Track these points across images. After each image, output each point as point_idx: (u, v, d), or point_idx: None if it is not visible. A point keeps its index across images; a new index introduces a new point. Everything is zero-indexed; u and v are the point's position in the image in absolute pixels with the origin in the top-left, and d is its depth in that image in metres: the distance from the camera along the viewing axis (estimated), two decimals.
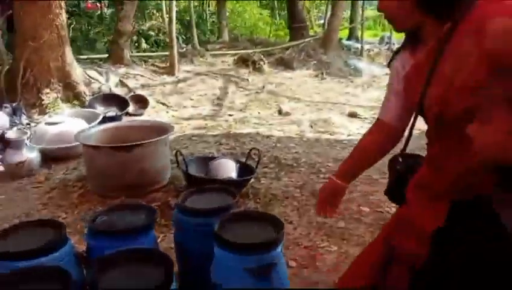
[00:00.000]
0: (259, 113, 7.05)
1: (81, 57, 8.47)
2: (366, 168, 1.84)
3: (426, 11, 1.33)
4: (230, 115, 6.90)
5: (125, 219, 2.30)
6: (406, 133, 1.61)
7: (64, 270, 1.70)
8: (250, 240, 1.98)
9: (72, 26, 10.50)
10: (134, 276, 1.76)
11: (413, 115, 1.49)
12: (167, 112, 7.13)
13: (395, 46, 1.42)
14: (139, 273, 1.77)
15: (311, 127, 6.28)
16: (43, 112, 6.33)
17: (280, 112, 6.98)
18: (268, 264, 1.94)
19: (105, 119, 5.62)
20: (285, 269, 2.12)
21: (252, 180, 4.02)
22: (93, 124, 5.28)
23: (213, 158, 4.11)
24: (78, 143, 4.52)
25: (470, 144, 1.15)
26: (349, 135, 5.90)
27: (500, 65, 1.13)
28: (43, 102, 6.35)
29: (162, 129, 4.30)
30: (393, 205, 3.70)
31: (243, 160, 4.26)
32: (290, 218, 3.49)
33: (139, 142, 3.89)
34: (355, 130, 6.07)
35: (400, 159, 1.57)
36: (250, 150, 4.20)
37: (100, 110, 6.31)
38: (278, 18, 20.50)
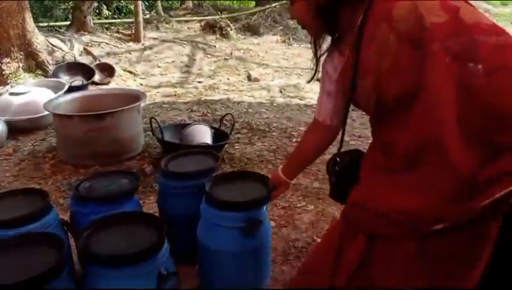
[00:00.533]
0: (228, 79, 7.02)
1: (41, 24, 8.12)
2: (305, 167, 2.10)
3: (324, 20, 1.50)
4: (199, 82, 6.85)
5: (108, 185, 2.31)
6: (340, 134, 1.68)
7: (57, 235, 1.72)
8: (241, 199, 2.04)
9: None
10: (126, 238, 1.80)
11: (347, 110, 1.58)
12: (135, 80, 7.00)
13: None
14: (131, 236, 1.81)
15: (281, 92, 6.33)
16: (4, 83, 6.10)
17: (249, 78, 6.98)
18: (257, 221, 2.01)
19: (71, 89, 5.47)
20: (269, 226, 2.20)
21: (226, 145, 4.07)
22: (59, 93, 5.14)
23: (186, 125, 4.12)
24: (45, 113, 4.43)
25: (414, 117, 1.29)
26: None
27: (416, 43, 1.26)
28: (3, 72, 6.11)
29: (133, 97, 4.25)
30: None
31: (216, 126, 4.29)
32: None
33: (111, 110, 3.85)
34: None
35: (338, 159, 1.64)
36: (224, 115, 4.23)
37: (65, 79, 6.13)
38: None
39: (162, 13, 10.89)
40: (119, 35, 8.55)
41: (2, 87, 5.98)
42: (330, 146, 1.81)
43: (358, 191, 1.60)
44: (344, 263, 1.59)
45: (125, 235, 1.82)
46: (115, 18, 10.54)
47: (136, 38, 8.35)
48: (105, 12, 10.69)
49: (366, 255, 1.55)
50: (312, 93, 6.19)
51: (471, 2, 1.39)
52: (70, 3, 9.78)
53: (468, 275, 1.63)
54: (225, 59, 8.30)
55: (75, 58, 6.79)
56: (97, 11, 10.41)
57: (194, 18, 10.69)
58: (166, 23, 9.95)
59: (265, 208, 2.14)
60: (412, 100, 1.32)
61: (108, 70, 6.83)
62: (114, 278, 1.65)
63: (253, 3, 14.40)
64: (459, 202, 1.37)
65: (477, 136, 1.31)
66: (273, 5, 11.88)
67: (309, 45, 1.75)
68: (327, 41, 1.68)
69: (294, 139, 4.48)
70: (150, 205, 3.14)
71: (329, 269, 1.69)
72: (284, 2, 11.70)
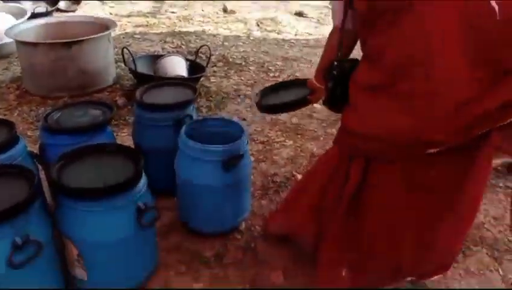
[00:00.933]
0: (203, 10, 6.69)
1: None
2: None
3: None
4: (172, 13, 6.50)
5: (79, 116, 2.19)
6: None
7: (27, 168, 1.62)
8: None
9: None
10: (101, 171, 1.72)
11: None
12: (103, 9, 6.60)
13: None
14: (106, 169, 1.73)
15: (258, 25, 6.09)
16: None
17: (225, 10, 6.66)
18: (237, 155, 1.95)
19: (34, 16, 5.10)
20: (249, 161, 2.15)
21: (202, 78, 3.93)
22: (21, 20, 4.79)
23: (160, 56, 3.92)
24: (7, 41, 4.14)
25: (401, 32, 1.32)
26: (296, 34, 5.80)
27: None
28: None
29: (102, 25, 3.99)
30: None
31: (191, 58, 4.11)
32: (244, 115, 3.50)
33: (80, 39, 3.61)
34: (302, 29, 5.96)
35: (336, 64, 1.60)
36: (200, 47, 4.05)
37: (27, 5, 5.70)
38: None
39: None
40: None
41: None
42: None
43: (349, 118, 1.57)
44: (347, 186, 1.62)
45: (100, 167, 1.73)
46: None
47: None
48: None
49: (363, 178, 1.59)
50: (289, 27, 5.99)
51: None
52: None
53: (454, 213, 1.64)
54: None
55: None
56: None
57: None
58: None
59: (246, 142, 2.07)
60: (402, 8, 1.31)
61: None
62: (90, 212, 1.59)
63: None
64: (448, 125, 1.34)
65: (480, 58, 1.26)
66: None
67: None
68: None
69: (271, 74, 4.36)
70: (123, 138, 3.03)
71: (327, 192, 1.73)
72: None
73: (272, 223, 2.13)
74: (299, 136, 3.20)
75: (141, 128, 2.33)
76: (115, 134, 3.12)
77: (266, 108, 2.01)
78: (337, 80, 1.59)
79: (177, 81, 2.57)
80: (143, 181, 1.73)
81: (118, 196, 1.60)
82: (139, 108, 2.29)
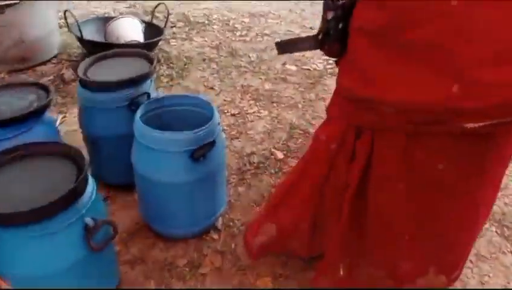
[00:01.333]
0: None
1: None
2: None
3: None
4: None
5: (11, 103, 1.76)
6: None
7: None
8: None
9: None
10: (32, 181, 1.33)
11: None
12: None
13: None
14: (40, 176, 1.34)
15: None
16: None
17: None
18: (208, 143, 1.59)
19: None
20: (223, 145, 1.79)
21: (161, 42, 3.47)
22: None
23: (111, 19, 3.42)
24: None
25: None
26: None
27: None
28: None
29: None
30: (320, 60, 3.47)
31: (147, 19, 3.63)
32: (211, 83, 3.10)
33: (14, 1, 3.06)
34: None
35: None
36: (156, 6, 3.55)
37: None
38: None
39: None
40: None
41: None
42: None
43: (346, 75, 1.26)
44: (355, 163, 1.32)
45: (31, 176, 1.33)
46: None
47: None
48: None
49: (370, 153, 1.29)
50: None
51: None
52: None
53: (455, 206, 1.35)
54: None
55: None
56: None
57: None
58: None
59: (218, 123, 1.70)
60: None
61: None
62: (20, 239, 1.21)
63: None
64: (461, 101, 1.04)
65: None
66: None
67: None
68: None
69: (238, 33, 3.93)
70: (74, 120, 2.59)
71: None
72: None
73: (252, 239, 1.63)
74: (274, 104, 2.84)
75: (87, 112, 1.92)
76: (63, 115, 2.73)
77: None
78: (341, 11, 1.22)
79: (130, 51, 2.13)
80: (90, 189, 1.35)
81: (57, 216, 1.22)
82: (82, 88, 1.87)
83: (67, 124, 2.63)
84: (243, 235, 1.67)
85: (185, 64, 3.32)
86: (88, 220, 1.30)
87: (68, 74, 3.17)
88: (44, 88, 1.84)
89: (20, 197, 1.24)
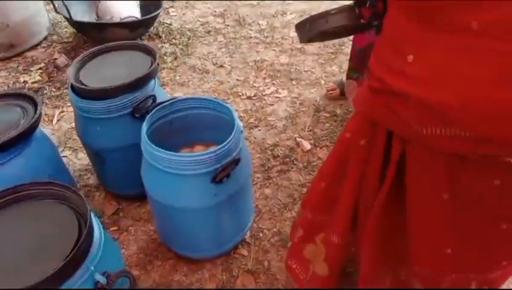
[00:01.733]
0: None
1: None
2: None
3: None
4: None
5: None
6: None
7: None
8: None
9: None
10: (31, 234, 1.08)
11: None
12: None
13: None
14: (38, 227, 1.09)
15: None
16: None
17: None
18: (232, 161, 1.33)
19: None
20: (248, 156, 1.52)
21: (160, 14, 3.13)
22: None
23: None
24: None
25: None
26: None
27: None
28: None
29: None
30: None
31: None
32: (220, 59, 2.78)
33: None
34: None
35: None
36: None
37: None
38: None
39: None
40: None
41: None
42: None
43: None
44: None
45: (20, 233, 1.08)
46: None
47: None
48: None
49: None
50: None
51: None
52: None
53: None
54: None
55: None
56: None
57: None
58: None
59: (240, 132, 1.42)
60: None
61: None
62: None
63: None
64: None
65: None
66: None
67: None
68: None
69: None
70: (71, 115, 2.32)
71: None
72: None
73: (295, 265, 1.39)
74: (293, 82, 2.53)
75: (84, 122, 1.64)
76: (59, 110, 2.45)
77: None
78: None
79: (126, 43, 1.81)
80: (97, 236, 1.10)
81: (62, 285, 0.98)
82: (75, 95, 1.58)
83: (66, 120, 2.37)
84: (285, 263, 1.43)
85: (188, 39, 2.99)
86: (99, 277, 1.06)
87: (61, 59, 2.87)
88: (30, 98, 1.56)
89: (12, 262, 1.00)
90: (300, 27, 1.20)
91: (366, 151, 1.11)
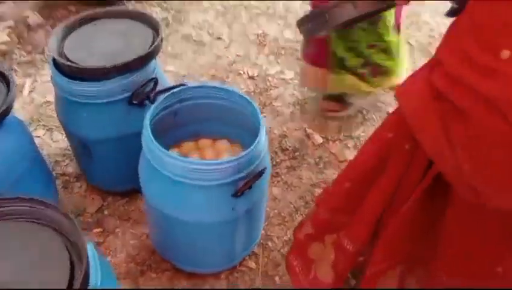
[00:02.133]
0: None
1: None
2: None
3: None
4: None
5: None
6: None
7: None
8: None
9: None
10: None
11: None
12: None
13: None
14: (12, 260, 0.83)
15: None
16: None
17: None
18: (258, 172, 1.09)
19: None
20: (269, 164, 1.27)
21: None
22: None
23: None
24: None
25: None
26: None
27: None
28: None
29: None
30: None
31: None
32: (217, 30, 2.48)
33: None
34: None
35: None
36: None
37: None
38: None
39: None
40: None
41: None
42: None
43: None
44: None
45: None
46: None
47: None
48: None
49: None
50: None
51: None
52: None
53: None
54: None
55: None
56: None
57: None
58: None
59: (264, 138, 1.17)
60: None
61: None
62: None
63: None
64: None
65: None
66: None
67: None
68: None
69: None
70: (48, 87, 1.99)
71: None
72: None
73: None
74: (300, 62, 2.26)
75: (68, 106, 1.35)
76: (33, 79, 2.13)
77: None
78: None
79: (121, 10, 1.51)
80: (93, 272, 0.85)
81: None
82: (58, 72, 1.28)
83: (39, 92, 2.05)
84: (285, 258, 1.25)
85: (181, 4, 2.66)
86: None
87: (33, 17, 2.49)
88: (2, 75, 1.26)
89: None
90: (312, 19, 0.97)
91: (410, 156, 0.95)
